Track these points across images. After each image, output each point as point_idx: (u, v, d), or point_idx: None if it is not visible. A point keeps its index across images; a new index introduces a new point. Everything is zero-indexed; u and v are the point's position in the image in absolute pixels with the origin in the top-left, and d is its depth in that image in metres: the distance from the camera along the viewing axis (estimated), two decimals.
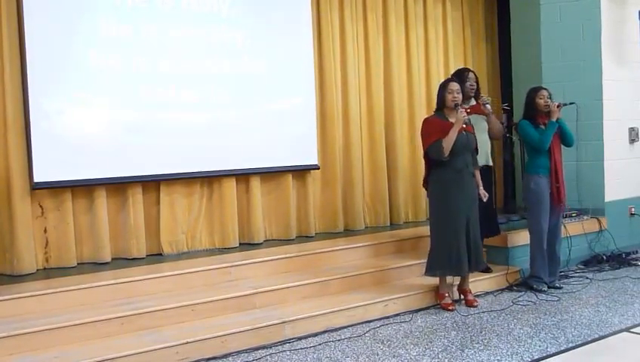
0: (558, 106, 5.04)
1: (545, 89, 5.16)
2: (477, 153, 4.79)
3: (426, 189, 4.81)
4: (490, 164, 5.28)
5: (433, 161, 4.63)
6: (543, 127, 5.06)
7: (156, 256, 5.36)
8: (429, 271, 4.73)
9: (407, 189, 6.85)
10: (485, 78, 7.51)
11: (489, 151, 5.24)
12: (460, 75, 5.14)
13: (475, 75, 5.28)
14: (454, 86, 4.59)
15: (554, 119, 5.00)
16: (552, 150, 5.02)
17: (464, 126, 4.53)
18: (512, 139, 6.74)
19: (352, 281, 4.91)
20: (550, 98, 5.11)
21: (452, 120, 4.54)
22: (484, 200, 4.73)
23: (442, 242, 4.62)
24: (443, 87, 4.66)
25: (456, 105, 4.51)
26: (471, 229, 4.61)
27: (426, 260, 4.78)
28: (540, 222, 5.08)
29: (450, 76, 5.32)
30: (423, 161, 4.91)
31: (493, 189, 5.27)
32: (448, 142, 4.47)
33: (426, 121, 4.73)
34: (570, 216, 6.02)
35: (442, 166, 4.57)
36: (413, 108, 6.88)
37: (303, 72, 6.05)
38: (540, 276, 5.16)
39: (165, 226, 5.44)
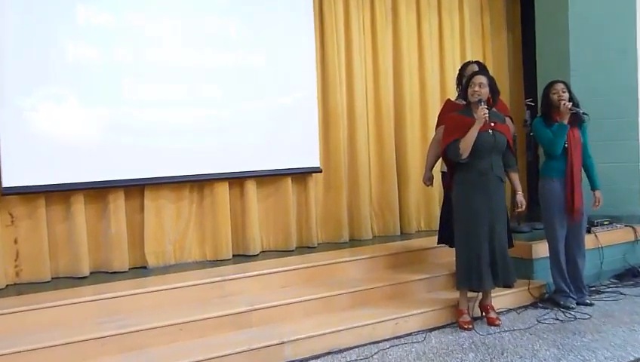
0: (570, 109, 4.94)
1: (561, 82, 5.11)
2: (513, 154, 4.78)
3: (444, 187, 4.78)
4: None
5: (452, 162, 4.64)
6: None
7: (140, 270, 5.35)
8: (456, 284, 4.77)
9: (419, 194, 6.85)
10: (506, 70, 7.52)
11: None
12: (463, 70, 5.17)
13: (485, 67, 5.27)
14: (478, 79, 4.58)
15: (564, 121, 4.97)
16: (570, 151, 4.98)
17: (492, 124, 4.52)
18: (536, 139, 6.71)
19: (358, 297, 4.90)
20: (569, 91, 5.05)
21: (476, 117, 4.53)
22: (521, 207, 4.73)
23: (463, 251, 4.64)
24: (468, 79, 4.67)
25: (479, 102, 4.50)
26: (496, 239, 4.60)
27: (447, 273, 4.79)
28: (554, 230, 5.08)
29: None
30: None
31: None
32: (466, 143, 4.46)
33: (448, 118, 4.73)
34: (602, 225, 5.99)
35: (465, 167, 4.57)
36: (425, 105, 6.89)
37: (303, 65, 6.06)
38: (566, 290, 5.14)
39: (150, 236, 5.43)
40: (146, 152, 5.28)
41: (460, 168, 4.61)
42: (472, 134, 4.45)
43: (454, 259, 4.79)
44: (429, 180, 5.21)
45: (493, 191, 4.59)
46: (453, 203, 4.73)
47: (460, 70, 5.31)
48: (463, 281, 4.67)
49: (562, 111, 4.95)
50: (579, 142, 5.06)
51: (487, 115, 4.45)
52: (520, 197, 4.75)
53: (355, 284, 5.02)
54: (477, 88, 4.53)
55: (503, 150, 4.65)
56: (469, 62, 5.40)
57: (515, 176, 4.77)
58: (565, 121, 4.96)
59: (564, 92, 5.02)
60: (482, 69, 5.03)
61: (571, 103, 4.96)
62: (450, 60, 7.08)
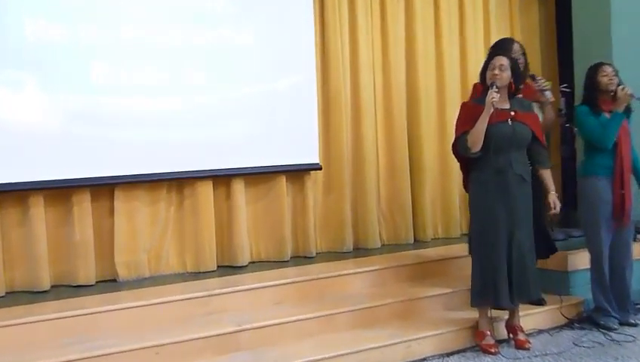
0: (630, 96, 4.94)
1: (609, 65, 5.13)
2: (544, 148, 4.78)
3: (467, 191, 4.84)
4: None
5: (464, 159, 4.65)
6: (607, 115, 5.03)
7: (110, 283, 5.35)
8: (471, 300, 4.76)
9: (435, 196, 6.86)
10: (538, 51, 7.51)
11: None
12: (499, 48, 5.13)
13: (521, 47, 5.27)
14: (498, 60, 4.57)
15: (620, 109, 4.97)
16: (619, 145, 4.99)
17: (512, 113, 4.52)
18: (572, 131, 6.72)
19: (364, 315, 4.90)
20: (617, 76, 5.07)
21: (498, 105, 4.50)
22: (555, 209, 4.71)
23: (478, 262, 4.65)
24: (487, 61, 4.68)
25: (491, 85, 4.49)
26: (515, 248, 4.59)
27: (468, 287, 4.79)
28: (598, 237, 5.07)
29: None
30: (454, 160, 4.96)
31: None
32: (474, 135, 4.47)
33: (461, 107, 4.77)
34: None
35: (480, 165, 4.58)
36: (443, 92, 6.90)
37: (300, 45, 6.06)
38: (607, 308, 5.14)
39: (122, 244, 5.43)
40: (117, 146, 5.28)
41: (474, 166, 4.63)
42: (481, 124, 4.45)
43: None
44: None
45: (514, 192, 4.57)
46: (469, 205, 4.77)
47: (499, 47, 5.22)
48: (476, 297, 4.67)
49: (620, 98, 4.95)
50: (628, 135, 5.05)
51: (495, 100, 4.41)
52: (553, 197, 4.73)
53: (361, 301, 5.02)
54: (496, 72, 4.52)
55: (525, 144, 4.63)
56: (510, 39, 5.39)
57: (548, 175, 4.76)
58: (621, 110, 4.96)
59: (614, 76, 5.02)
60: (507, 49, 5.02)
61: (632, 92, 4.95)
62: (472, 39, 7.09)
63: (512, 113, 4.53)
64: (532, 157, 4.70)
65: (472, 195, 4.72)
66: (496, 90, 4.45)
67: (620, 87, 4.96)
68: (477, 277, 4.66)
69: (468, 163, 4.71)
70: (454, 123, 4.82)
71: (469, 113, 4.58)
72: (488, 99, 4.42)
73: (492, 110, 4.42)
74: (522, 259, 4.62)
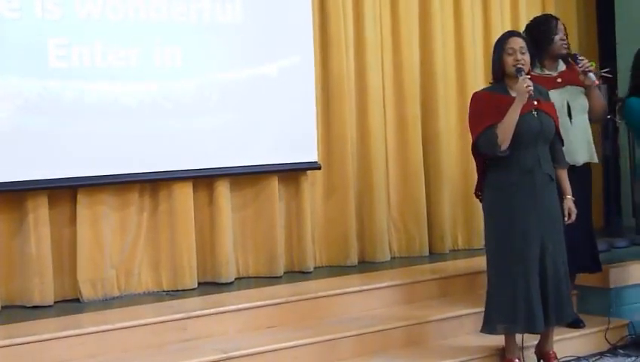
0: None
1: None
2: (562, 144, 4.78)
3: (480, 200, 4.81)
4: (596, 160, 5.32)
5: (487, 158, 4.62)
6: None
7: (71, 304, 5.34)
8: (487, 325, 4.70)
9: (455, 201, 6.88)
10: (576, 33, 7.50)
11: (591, 140, 5.25)
12: (543, 26, 5.16)
13: (564, 25, 5.28)
14: (516, 43, 4.57)
15: None
16: None
17: (535, 102, 4.51)
18: (615, 123, 6.70)
19: (371, 341, 4.91)
20: None
21: (515, 94, 4.52)
22: (570, 219, 4.71)
23: (504, 282, 4.59)
24: (499, 44, 4.64)
25: (519, 71, 4.49)
26: (549, 261, 4.57)
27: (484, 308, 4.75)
28: None
29: (517, 30, 5.35)
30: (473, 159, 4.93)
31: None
32: (506, 128, 4.43)
33: (474, 98, 4.72)
34: None
35: (502, 165, 4.56)
36: (464, 80, 6.92)
37: (295, 23, 6.07)
38: None
39: (85, 257, 5.41)
40: (78, 141, 5.28)
41: (495, 166, 4.60)
42: (513, 116, 4.42)
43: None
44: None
45: (543, 195, 4.56)
46: (485, 213, 4.74)
47: (537, 25, 5.25)
48: (501, 321, 4.61)
49: None
50: None
51: (532, 88, 4.42)
52: (570, 203, 4.71)
53: (367, 324, 5.02)
54: (519, 56, 4.52)
55: (551, 138, 4.64)
56: (551, 16, 5.40)
57: (565, 175, 4.75)
58: None
59: None
60: (551, 30, 5.10)
61: None
62: (498, 17, 7.10)
63: (535, 103, 4.52)
64: (550, 153, 4.70)
65: (491, 201, 4.68)
66: (529, 76, 4.46)
67: None
68: (502, 299, 4.59)
69: (486, 164, 4.69)
70: None
71: (489, 104, 4.56)
72: (522, 87, 4.40)
73: (526, 100, 4.42)
74: (557, 273, 4.61)
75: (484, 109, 4.57)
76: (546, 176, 4.58)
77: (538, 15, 5.67)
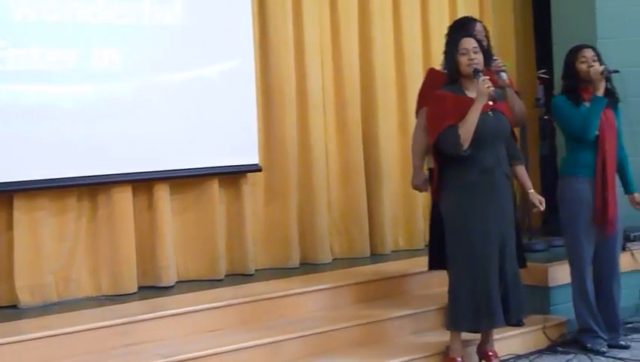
0: (601, 73, 5.03)
1: (590, 48, 5.21)
2: (517, 141, 4.85)
3: (437, 201, 4.85)
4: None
5: (447, 157, 4.64)
6: (588, 105, 5.10)
7: (9, 310, 5.27)
8: (452, 323, 4.76)
9: (396, 202, 6.90)
10: (512, 31, 7.62)
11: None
12: (463, 28, 5.19)
13: (484, 27, 5.34)
14: (469, 43, 4.62)
15: (599, 93, 5.04)
16: (602, 139, 5.07)
17: (490, 103, 4.55)
18: (552, 124, 6.80)
19: (316, 342, 4.91)
20: (599, 60, 5.13)
21: (472, 95, 4.57)
22: (541, 206, 4.79)
23: (465, 280, 4.63)
24: (452, 45, 4.70)
25: (476, 73, 4.54)
26: (507, 259, 4.65)
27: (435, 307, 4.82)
28: (579, 247, 5.17)
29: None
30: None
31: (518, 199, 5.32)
32: (468, 128, 4.48)
33: (433, 98, 4.75)
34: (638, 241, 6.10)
35: (461, 165, 4.59)
36: (403, 81, 6.95)
37: (235, 24, 6.07)
38: (594, 329, 5.22)
39: (22, 263, 5.34)
40: (14, 145, 5.22)
41: (453, 166, 4.63)
42: (474, 116, 4.47)
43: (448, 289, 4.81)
44: (423, 184, 5.24)
45: (502, 194, 4.64)
46: (445, 214, 4.76)
47: (460, 27, 5.29)
48: (462, 320, 4.66)
49: (594, 79, 5.02)
50: (613, 128, 5.13)
51: (492, 89, 4.49)
52: (535, 194, 4.80)
53: (311, 325, 5.03)
54: (472, 55, 4.57)
55: (507, 137, 4.73)
56: (471, 18, 5.46)
57: (523, 171, 4.86)
58: (600, 93, 5.02)
59: (594, 61, 5.09)
60: (468, 30, 5.10)
61: (603, 67, 5.03)
62: (436, 18, 7.13)
63: (491, 103, 4.57)
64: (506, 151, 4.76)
65: (450, 201, 4.70)
66: (487, 76, 4.52)
67: (592, 67, 5.03)
68: (464, 298, 4.63)
69: (445, 163, 4.70)
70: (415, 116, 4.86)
71: (447, 104, 4.59)
72: (483, 87, 4.45)
73: (485, 101, 4.48)
74: (515, 271, 4.71)
75: (442, 110, 4.60)
76: (504, 175, 4.66)
77: (458, 18, 5.73)
